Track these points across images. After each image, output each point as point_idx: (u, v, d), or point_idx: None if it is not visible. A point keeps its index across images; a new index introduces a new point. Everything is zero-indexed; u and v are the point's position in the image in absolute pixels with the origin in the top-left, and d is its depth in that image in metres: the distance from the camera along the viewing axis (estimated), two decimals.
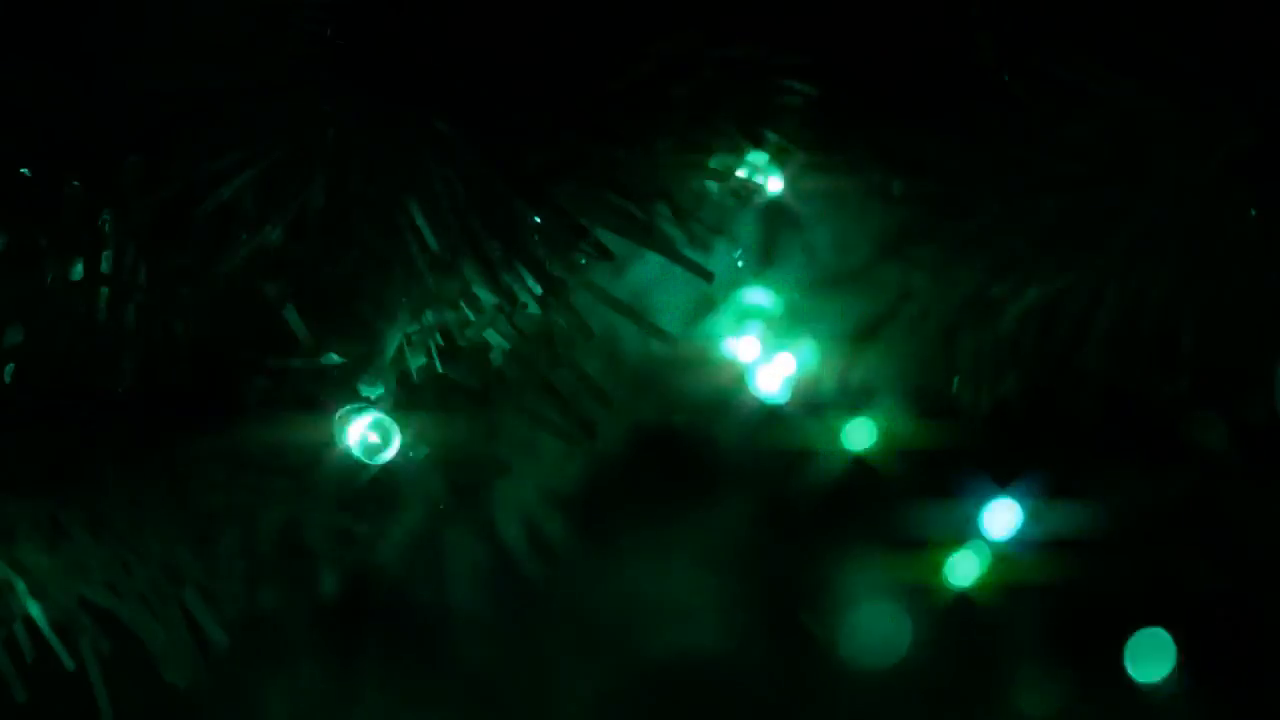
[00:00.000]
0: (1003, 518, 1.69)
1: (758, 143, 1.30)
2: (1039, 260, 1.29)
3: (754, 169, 1.29)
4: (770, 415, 1.57)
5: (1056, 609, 1.76)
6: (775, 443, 1.61)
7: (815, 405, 1.54)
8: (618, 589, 1.77)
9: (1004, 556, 1.68)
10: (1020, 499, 1.70)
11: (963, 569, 1.68)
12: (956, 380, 1.45)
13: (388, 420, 1.17)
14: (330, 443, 1.18)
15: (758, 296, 1.47)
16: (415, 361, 1.18)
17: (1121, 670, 1.77)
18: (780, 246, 1.45)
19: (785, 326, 1.47)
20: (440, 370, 1.17)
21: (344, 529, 1.55)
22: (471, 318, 1.16)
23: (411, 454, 1.17)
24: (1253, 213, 1.24)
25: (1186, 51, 1.20)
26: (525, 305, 1.15)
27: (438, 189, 1.14)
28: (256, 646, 1.62)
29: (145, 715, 1.37)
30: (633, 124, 1.20)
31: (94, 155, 1.20)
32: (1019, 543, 1.69)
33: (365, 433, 1.17)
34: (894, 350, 1.46)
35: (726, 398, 1.56)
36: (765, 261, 1.46)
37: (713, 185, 1.29)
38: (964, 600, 1.69)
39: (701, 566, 1.80)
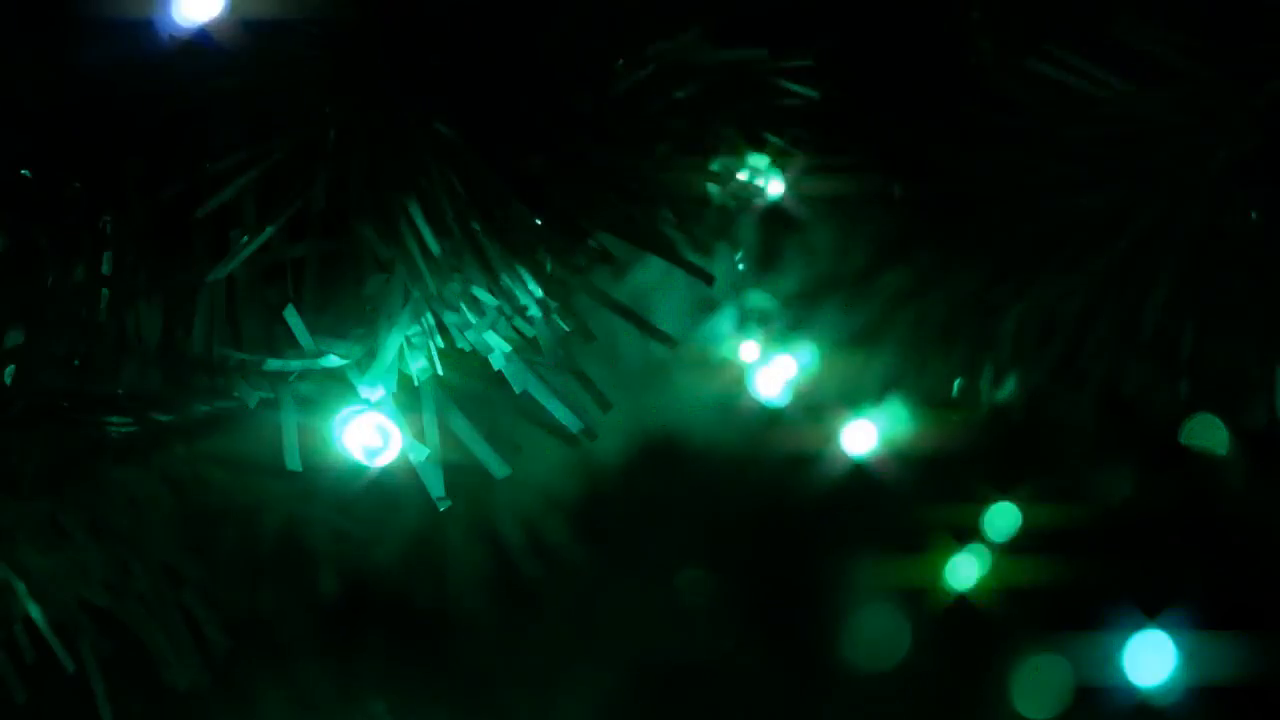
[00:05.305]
0: (1002, 520, 1.70)
1: (759, 145, 1.30)
2: (1039, 263, 1.29)
3: (755, 172, 1.29)
4: (770, 418, 1.57)
5: (1057, 610, 1.76)
6: (775, 445, 1.61)
7: (815, 408, 1.54)
8: (617, 590, 1.77)
9: (1004, 559, 1.68)
10: (1020, 502, 1.70)
11: (962, 571, 1.68)
12: (957, 383, 1.45)
13: (388, 422, 1.17)
14: (330, 444, 1.18)
15: (758, 300, 1.47)
16: (415, 363, 1.18)
17: (1121, 671, 1.77)
18: (781, 250, 1.45)
19: (785, 330, 1.47)
20: (440, 372, 1.17)
21: (344, 529, 1.55)
22: (472, 320, 1.16)
23: (411, 455, 1.17)
24: (1253, 215, 1.24)
25: (1187, 52, 1.20)
26: (526, 308, 1.15)
27: (438, 190, 1.14)
28: (256, 646, 1.62)
29: (145, 716, 1.37)
30: (634, 126, 1.20)
31: (94, 155, 1.20)
32: (1019, 545, 1.69)
33: (365, 434, 1.17)
34: (894, 353, 1.46)
35: (727, 400, 1.56)
36: (766, 265, 1.46)
37: (714, 188, 1.29)
38: (963, 602, 1.69)
39: (701, 568, 1.80)
